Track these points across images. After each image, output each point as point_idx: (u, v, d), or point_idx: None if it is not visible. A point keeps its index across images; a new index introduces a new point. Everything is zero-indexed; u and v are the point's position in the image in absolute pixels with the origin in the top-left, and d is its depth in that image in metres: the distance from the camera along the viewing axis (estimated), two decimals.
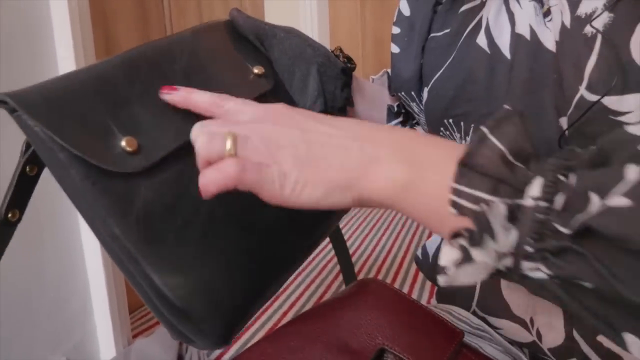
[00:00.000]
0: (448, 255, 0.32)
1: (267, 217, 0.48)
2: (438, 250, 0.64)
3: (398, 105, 0.64)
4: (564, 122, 0.40)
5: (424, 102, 0.55)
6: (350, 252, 1.87)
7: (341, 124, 0.40)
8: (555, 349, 0.47)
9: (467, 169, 0.32)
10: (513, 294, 0.50)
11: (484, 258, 0.31)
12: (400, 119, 0.64)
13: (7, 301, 0.79)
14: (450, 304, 0.61)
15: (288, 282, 1.55)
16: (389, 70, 0.67)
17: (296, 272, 1.62)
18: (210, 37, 0.56)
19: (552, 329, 0.46)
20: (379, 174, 0.36)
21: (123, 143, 0.41)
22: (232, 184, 0.36)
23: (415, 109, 0.60)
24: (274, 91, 0.57)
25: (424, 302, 0.52)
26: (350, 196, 0.37)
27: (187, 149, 0.43)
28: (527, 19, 0.44)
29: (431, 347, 0.46)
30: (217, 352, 1.13)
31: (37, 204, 0.88)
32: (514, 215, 0.30)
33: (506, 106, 0.33)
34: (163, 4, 1.53)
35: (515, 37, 0.44)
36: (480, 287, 0.54)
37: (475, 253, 0.30)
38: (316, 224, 0.54)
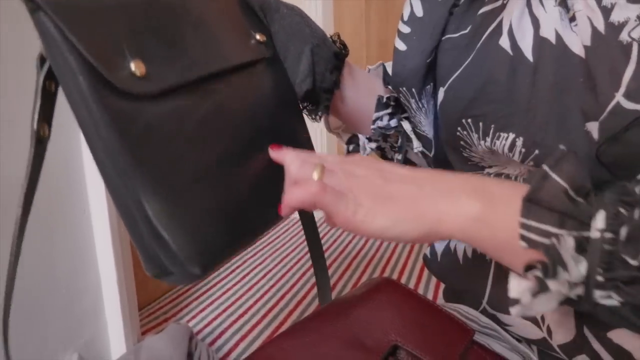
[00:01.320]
0: (520, 286, 0.34)
1: (255, 174, 0.51)
2: (447, 247, 0.64)
3: (388, 97, 0.65)
4: (592, 126, 0.41)
5: (439, 102, 0.55)
6: (355, 251, 1.88)
7: (416, 168, 0.45)
8: (565, 346, 0.48)
9: (533, 204, 0.34)
10: None
11: (558, 287, 0.33)
12: (389, 111, 0.66)
13: (20, 298, 0.80)
14: (459, 302, 0.62)
15: (293, 281, 1.56)
16: (386, 63, 0.68)
17: (301, 272, 1.63)
18: (221, 0, 0.59)
19: (562, 325, 0.47)
20: (451, 209, 0.39)
21: (132, 65, 0.43)
22: (311, 200, 0.41)
23: (414, 106, 0.61)
24: (272, 61, 0.60)
25: None
26: (418, 229, 0.40)
27: (190, 88, 0.48)
28: (552, 23, 0.44)
29: (443, 343, 0.47)
30: (226, 349, 1.15)
31: (50, 202, 0.89)
32: (582, 247, 0.33)
33: (561, 146, 0.38)
34: None
35: (539, 40, 0.44)
36: (491, 284, 0.55)
37: (550, 283, 0.33)
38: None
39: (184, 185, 0.45)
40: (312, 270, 1.64)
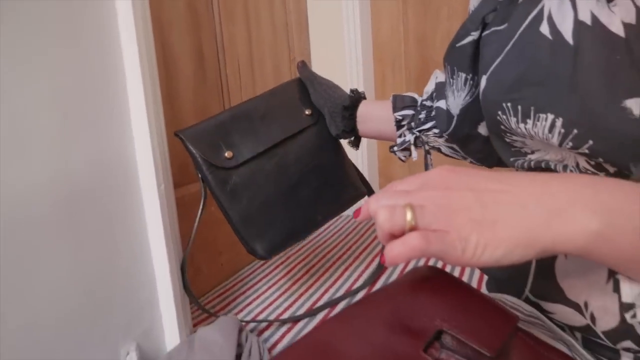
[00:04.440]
0: (633, 291, 0.35)
1: (301, 197, 1.03)
2: None
3: (397, 121, 0.96)
4: (632, 103, 0.41)
5: (481, 89, 0.57)
6: None
7: (511, 179, 0.41)
8: (609, 332, 0.48)
9: None
10: (568, 279, 0.52)
11: None
12: (404, 129, 0.95)
13: (86, 293, 0.86)
14: (501, 292, 0.63)
15: (336, 276, 1.58)
16: (395, 94, 0.97)
17: (342, 267, 1.65)
18: (285, 88, 1.10)
19: (606, 312, 0.48)
20: (565, 227, 0.37)
21: (226, 154, 0.97)
22: (418, 255, 0.39)
23: (447, 81, 0.72)
24: (316, 124, 1.09)
25: None
26: (532, 252, 0.38)
27: (260, 155, 1.01)
28: (587, 5, 0.44)
29: (488, 329, 0.48)
30: (272, 340, 1.18)
31: (110, 207, 0.95)
32: None
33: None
34: (213, 12, 1.60)
35: (578, 24, 0.44)
36: (534, 272, 0.56)
37: None
38: (336, 201, 1.11)
39: (257, 211, 0.98)
40: (354, 264, 1.67)
